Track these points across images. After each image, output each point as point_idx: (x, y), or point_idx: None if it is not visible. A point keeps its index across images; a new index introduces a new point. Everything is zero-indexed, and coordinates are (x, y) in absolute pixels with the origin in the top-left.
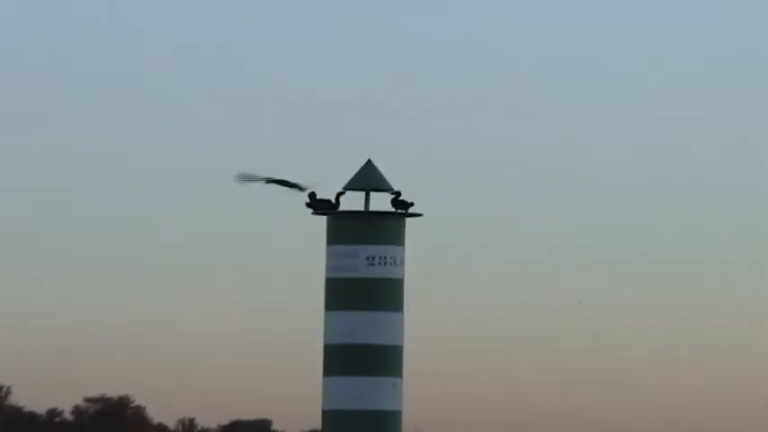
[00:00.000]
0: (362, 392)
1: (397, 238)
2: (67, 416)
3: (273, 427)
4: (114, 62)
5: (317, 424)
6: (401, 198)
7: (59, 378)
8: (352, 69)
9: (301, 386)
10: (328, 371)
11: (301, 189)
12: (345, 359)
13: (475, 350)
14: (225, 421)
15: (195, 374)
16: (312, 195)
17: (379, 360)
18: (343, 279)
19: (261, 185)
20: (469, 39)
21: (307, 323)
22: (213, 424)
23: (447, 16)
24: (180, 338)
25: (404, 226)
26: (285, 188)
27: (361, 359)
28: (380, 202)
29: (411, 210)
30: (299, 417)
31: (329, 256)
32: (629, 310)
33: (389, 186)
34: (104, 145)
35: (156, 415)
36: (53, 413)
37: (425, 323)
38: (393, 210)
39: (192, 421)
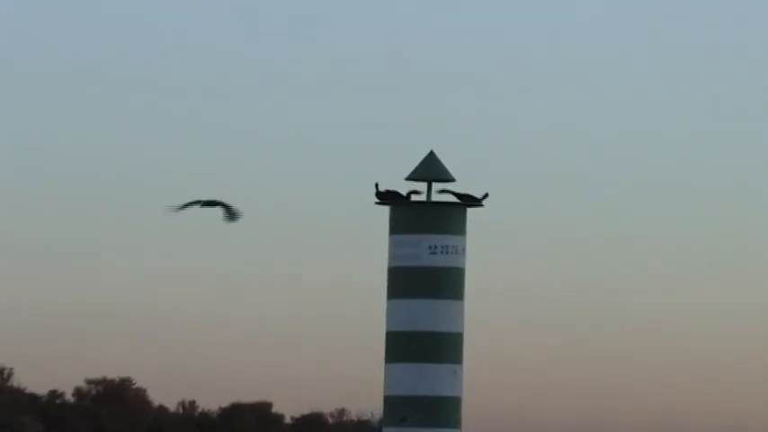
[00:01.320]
0: (423, 379)
1: (459, 228)
2: (69, 397)
3: (273, 409)
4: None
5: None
6: (468, 194)
7: (61, 359)
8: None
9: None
10: (390, 357)
11: (231, 214)
12: (407, 346)
13: (532, 341)
14: (225, 403)
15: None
16: (377, 186)
17: (440, 347)
18: (405, 268)
19: (196, 208)
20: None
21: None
22: (214, 406)
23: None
24: (230, 323)
25: (465, 216)
26: (218, 208)
27: (423, 346)
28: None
29: (483, 199)
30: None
31: (392, 245)
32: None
33: (451, 177)
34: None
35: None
36: (54, 395)
37: (485, 311)
38: (455, 200)
39: (192, 403)
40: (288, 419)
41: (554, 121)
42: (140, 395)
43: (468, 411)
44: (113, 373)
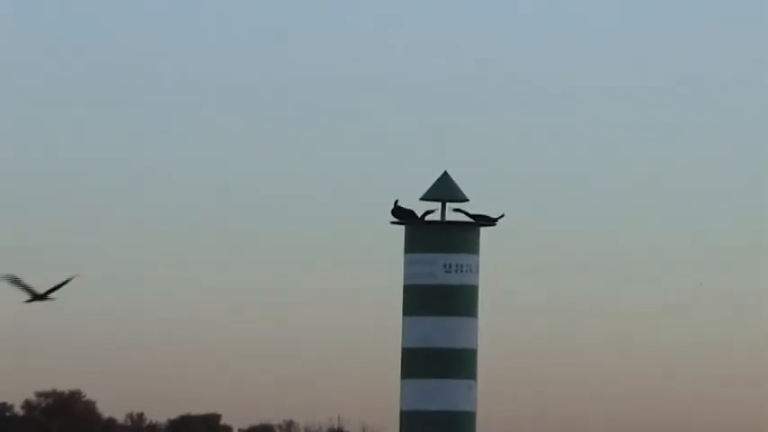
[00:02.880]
0: (439, 394)
1: (473, 247)
2: (18, 410)
3: (222, 421)
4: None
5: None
6: (477, 213)
7: (9, 372)
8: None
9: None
10: (406, 373)
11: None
12: (423, 362)
13: (545, 350)
14: (173, 415)
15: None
16: (396, 203)
17: (455, 363)
18: (421, 286)
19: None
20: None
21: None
22: (163, 418)
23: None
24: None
25: (478, 235)
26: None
27: (438, 362)
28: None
29: (499, 219)
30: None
31: (407, 263)
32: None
33: (464, 197)
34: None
35: (107, 410)
36: (4, 408)
37: (499, 328)
38: (469, 220)
39: (140, 416)
40: (235, 431)
41: (568, 137)
42: (90, 407)
43: (481, 426)
44: (63, 386)
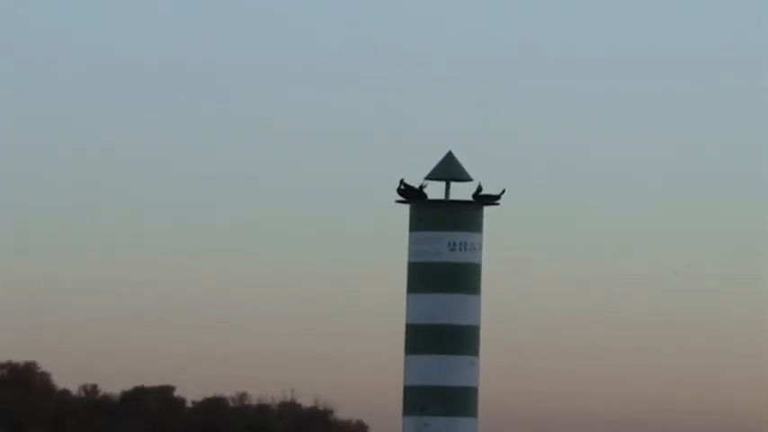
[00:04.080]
0: (442, 369)
1: (476, 225)
2: None
3: (176, 393)
4: None
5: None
6: (482, 192)
7: None
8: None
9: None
10: (410, 349)
11: None
12: (427, 338)
13: (545, 333)
14: (127, 387)
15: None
16: (402, 181)
17: (459, 339)
18: (425, 263)
19: None
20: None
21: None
22: (117, 390)
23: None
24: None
25: (482, 214)
26: None
27: (442, 338)
28: (462, 190)
29: (497, 197)
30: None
31: (412, 241)
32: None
33: (468, 177)
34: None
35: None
36: None
37: (501, 305)
38: (473, 199)
39: (94, 387)
40: (189, 404)
41: (571, 120)
42: (45, 379)
43: (483, 401)
44: (18, 357)
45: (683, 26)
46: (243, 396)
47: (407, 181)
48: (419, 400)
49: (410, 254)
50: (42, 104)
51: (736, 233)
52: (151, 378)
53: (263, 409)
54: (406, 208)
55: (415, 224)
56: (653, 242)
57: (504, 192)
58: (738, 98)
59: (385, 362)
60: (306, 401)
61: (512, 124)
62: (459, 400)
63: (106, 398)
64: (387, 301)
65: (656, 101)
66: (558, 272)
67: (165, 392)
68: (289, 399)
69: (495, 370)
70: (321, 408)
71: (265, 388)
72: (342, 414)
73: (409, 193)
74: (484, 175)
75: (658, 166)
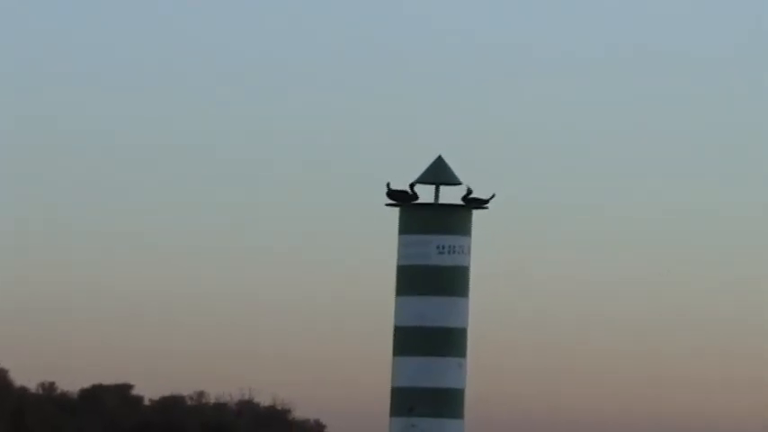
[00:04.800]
0: (430, 371)
1: (465, 229)
2: None
3: (134, 391)
4: None
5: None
6: (472, 196)
7: None
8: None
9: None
10: (399, 351)
11: None
12: (415, 340)
13: (532, 334)
14: (85, 385)
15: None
16: (389, 185)
17: (447, 341)
18: (414, 266)
19: None
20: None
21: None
22: (75, 387)
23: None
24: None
25: (471, 217)
26: None
27: (430, 340)
28: (450, 193)
29: (486, 201)
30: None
31: (401, 244)
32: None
33: (458, 180)
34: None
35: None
36: None
37: (487, 309)
38: (462, 203)
39: (52, 384)
40: (147, 401)
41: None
42: (2, 375)
43: (469, 402)
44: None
45: (682, 25)
46: (201, 394)
47: (395, 185)
48: (407, 401)
49: (399, 257)
50: (43, 104)
51: (736, 233)
52: (109, 376)
53: (220, 407)
54: (397, 211)
55: (405, 227)
56: (642, 243)
57: (493, 196)
58: (738, 98)
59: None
60: (264, 400)
61: (505, 127)
62: (447, 402)
63: (64, 395)
64: (370, 303)
65: (657, 101)
66: (546, 274)
67: (122, 390)
68: (247, 397)
69: (482, 372)
70: (279, 407)
71: (224, 387)
72: (299, 413)
73: (399, 197)
74: (475, 179)
75: (658, 167)
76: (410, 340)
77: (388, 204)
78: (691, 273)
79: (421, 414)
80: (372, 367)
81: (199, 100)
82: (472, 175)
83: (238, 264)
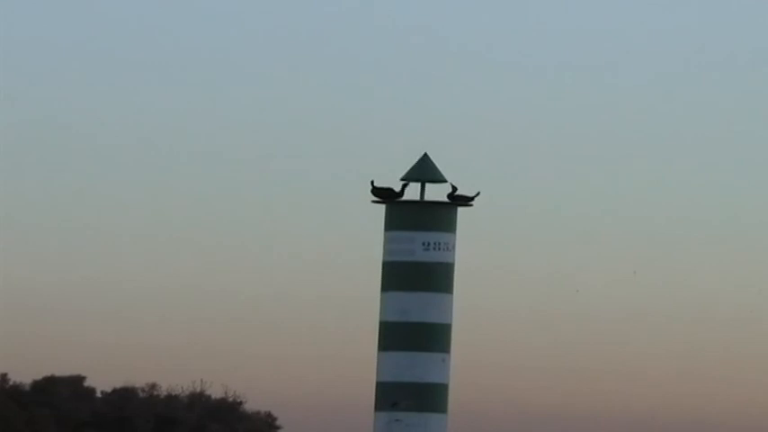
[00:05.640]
0: (414, 366)
1: (450, 226)
2: None
3: (86, 383)
4: None
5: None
6: (457, 193)
7: None
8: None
9: None
10: (383, 346)
11: None
12: (400, 335)
13: (514, 329)
14: (38, 376)
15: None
16: (372, 183)
17: (430, 337)
18: (400, 262)
19: None
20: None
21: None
22: (27, 379)
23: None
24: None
25: (456, 214)
26: None
27: (414, 336)
28: (436, 191)
29: (471, 198)
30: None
31: (387, 241)
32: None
33: (443, 178)
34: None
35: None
36: None
37: (472, 305)
38: (447, 200)
39: (4, 376)
40: (99, 393)
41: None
42: None
43: (453, 397)
44: None
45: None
46: (153, 386)
47: (379, 183)
48: (391, 395)
49: (385, 253)
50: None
51: (736, 232)
52: (62, 368)
53: (171, 399)
54: (383, 208)
55: (390, 224)
56: (630, 240)
57: (478, 194)
58: (739, 98)
59: (298, 355)
60: (215, 393)
61: (491, 125)
62: (430, 396)
63: (16, 387)
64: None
65: (647, 98)
66: (531, 271)
67: (75, 382)
68: (198, 390)
69: (465, 367)
70: (230, 399)
71: (176, 379)
72: (250, 405)
73: (383, 194)
74: (461, 177)
75: (657, 166)
76: (394, 335)
77: (374, 201)
78: (677, 270)
79: (405, 408)
80: (353, 363)
81: (187, 97)
82: (457, 173)
83: (215, 259)
